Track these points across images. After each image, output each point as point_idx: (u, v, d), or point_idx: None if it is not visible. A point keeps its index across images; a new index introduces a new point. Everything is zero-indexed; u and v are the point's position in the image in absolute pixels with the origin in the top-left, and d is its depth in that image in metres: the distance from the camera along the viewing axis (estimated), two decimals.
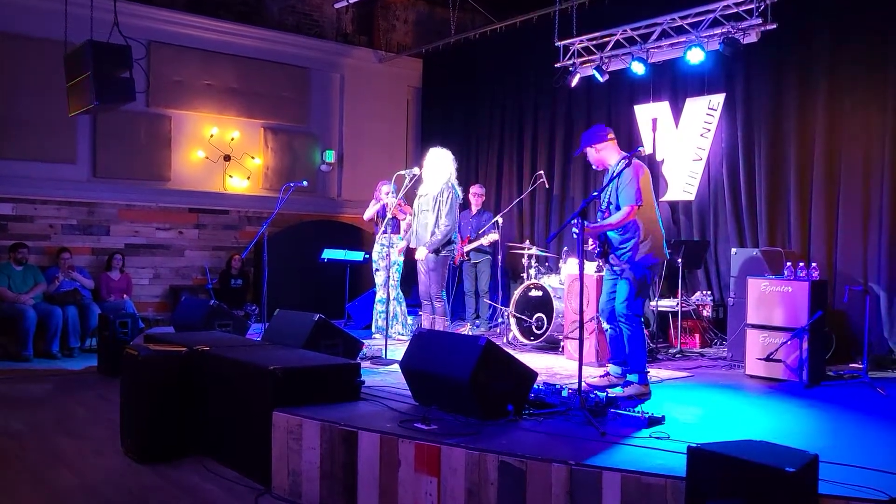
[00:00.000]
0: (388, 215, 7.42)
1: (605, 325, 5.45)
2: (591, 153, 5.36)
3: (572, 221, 4.77)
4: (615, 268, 5.26)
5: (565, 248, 8.17)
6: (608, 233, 5.24)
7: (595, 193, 5.12)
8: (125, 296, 9.32)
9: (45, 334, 8.33)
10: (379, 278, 7.87)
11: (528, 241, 8.39)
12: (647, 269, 5.18)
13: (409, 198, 7.50)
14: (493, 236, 8.69)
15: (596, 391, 4.77)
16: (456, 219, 7.10)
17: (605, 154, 5.31)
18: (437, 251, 7.05)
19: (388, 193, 7.81)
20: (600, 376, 5.48)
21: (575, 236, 4.99)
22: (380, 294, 7.80)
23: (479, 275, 9.16)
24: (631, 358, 5.20)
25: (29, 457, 4.75)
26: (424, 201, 7.06)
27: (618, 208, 5.11)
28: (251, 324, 8.11)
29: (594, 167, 5.51)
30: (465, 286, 9.29)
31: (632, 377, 5.17)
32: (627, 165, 5.09)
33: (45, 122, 9.17)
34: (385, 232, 7.49)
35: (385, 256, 7.72)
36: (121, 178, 9.92)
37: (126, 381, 4.88)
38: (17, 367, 7.74)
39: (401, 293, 8.01)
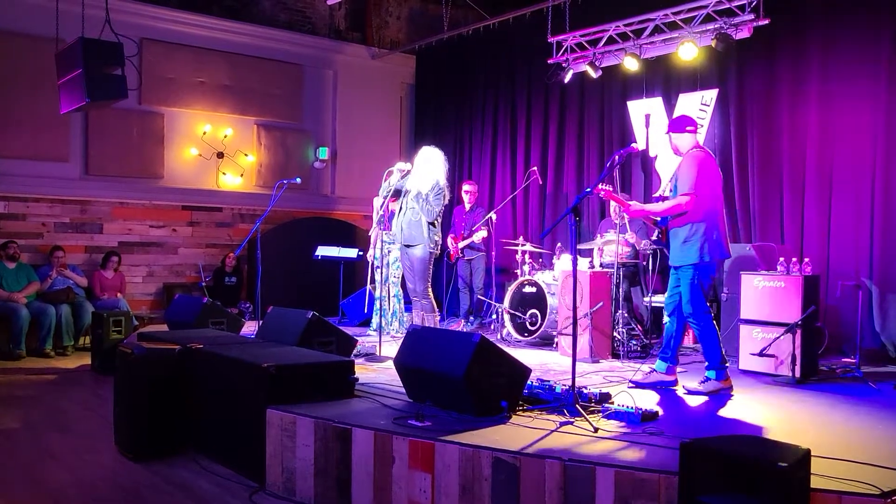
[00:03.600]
0: (383, 209, 7.35)
1: (666, 318, 5.47)
2: (676, 139, 5.39)
3: (610, 213, 4.79)
4: (673, 264, 5.29)
5: (559, 244, 8.19)
6: (666, 222, 5.28)
7: (588, 189, 5.12)
8: (119, 294, 9.30)
9: (39, 332, 8.31)
10: (380, 275, 7.86)
11: (521, 238, 8.39)
12: (707, 265, 5.15)
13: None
14: (483, 233, 8.70)
15: (643, 387, 5.08)
16: (440, 209, 6.99)
17: (679, 143, 5.35)
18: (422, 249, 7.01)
19: (399, 170, 7.49)
20: (645, 373, 5.48)
21: (617, 219, 5.09)
22: (380, 291, 7.78)
23: (473, 271, 9.16)
24: (705, 354, 5.22)
25: (22, 455, 4.74)
26: (411, 198, 7.02)
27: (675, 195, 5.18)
28: (245, 321, 8.10)
29: (671, 153, 5.57)
30: (460, 283, 9.29)
31: (709, 373, 5.18)
32: (690, 154, 5.18)
33: (37, 119, 9.14)
34: (387, 229, 7.47)
35: (387, 253, 7.73)
36: (113, 176, 9.90)
37: (120, 379, 4.87)
38: (10, 366, 7.72)
39: (400, 290, 8.00)
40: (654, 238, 5.50)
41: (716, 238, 5.13)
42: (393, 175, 6.95)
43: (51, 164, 9.44)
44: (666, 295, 5.50)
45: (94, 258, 9.60)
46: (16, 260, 8.55)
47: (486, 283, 9.09)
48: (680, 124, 5.39)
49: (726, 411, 4.69)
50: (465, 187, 9.35)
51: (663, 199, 5.44)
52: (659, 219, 5.35)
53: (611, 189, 5.36)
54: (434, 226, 6.85)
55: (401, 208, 7.00)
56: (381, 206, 7.21)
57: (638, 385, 5.32)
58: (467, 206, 9.27)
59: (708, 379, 5.17)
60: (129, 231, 10.02)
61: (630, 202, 5.46)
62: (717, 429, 4.04)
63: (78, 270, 9.14)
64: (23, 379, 7.09)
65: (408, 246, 6.93)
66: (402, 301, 8.03)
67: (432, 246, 6.85)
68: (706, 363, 5.26)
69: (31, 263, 8.91)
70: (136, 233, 10.09)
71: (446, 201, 6.95)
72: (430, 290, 6.99)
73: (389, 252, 7.93)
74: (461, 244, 8.98)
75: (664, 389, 5.25)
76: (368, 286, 8.55)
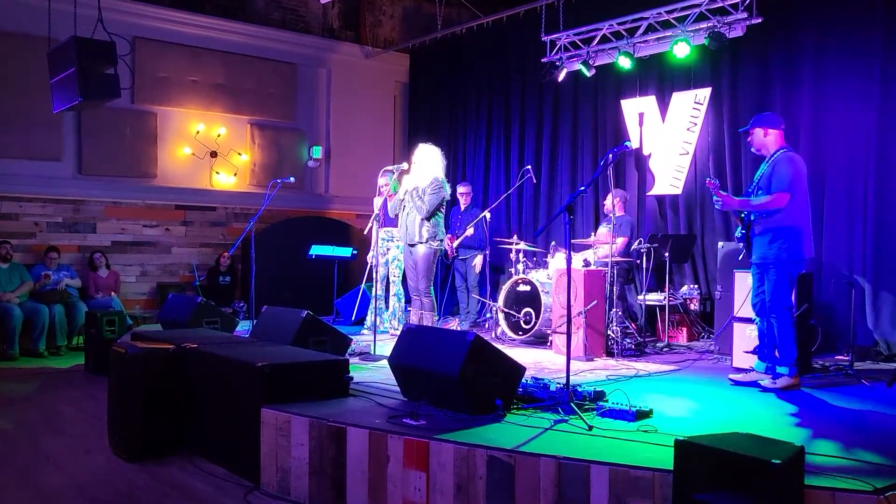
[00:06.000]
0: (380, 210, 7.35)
1: (756, 319, 5.50)
2: (759, 135, 5.37)
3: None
4: (758, 262, 5.34)
5: (553, 243, 8.19)
6: (752, 218, 5.33)
7: (583, 188, 5.13)
8: (112, 293, 9.27)
9: (32, 333, 8.28)
10: (376, 273, 7.85)
11: (515, 236, 8.39)
12: (793, 264, 5.21)
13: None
14: (469, 231, 8.70)
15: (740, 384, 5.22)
16: (437, 204, 6.95)
17: (771, 140, 5.34)
18: (427, 245, 7.00)
19: (386, 185, 7.69)
20: (745, 372, 5.55)
21: (718, 206, 5.30)
22: (376, 290, 7.77)
23: (468, 269, 9.17)
24: (780, 350, 5.26)
25: (16, 456, 4.72)
26: (413, 196, 7.02)
27: (767, 193, 5.20)
28: (239, 321, 8.08)
29: (753, 149, 5.50)
30: (457, 282, 9.29)
31: (781, 369, 5.23)
32: (785, 154, 5.21)
33: (30, 119, 9.11)
34: (386, 225, 7.46)
35: (386, 251, 7.72)
36: (107, 176, 9.87)
37: (113, 379, 4.86)
38: (3, 366, 7.69)
39: (401, 289, 7.99)
40: (736, 235, 5.56)
41: (804, 237, 5.21)
42: (392, 176, 6.94)
43: (43, 164, 9.42)
44: (751, 295, 5.56)
45: (87, 258, 9.56)
46: (8, 260, 8.52)
47: (479, 281, 9.08)
48: (774, 121, 5.39)
49: (720, 409, 4.71)
50: (460, 189, 9.34)
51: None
52: (743, 216, 5.41)
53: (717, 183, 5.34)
54: (432, 222, 6.82)
55: (404, 207, 7.02)
56: (392, 211, 7.16)
57: (738, 384, 5.42)
58: (462, 207, 9.28)
59: (780, 375, 5.22)
60: (122, 230, 10.00)
61: (723, 193, 5.43)
62: (712, 426, 4.05)
63: (71, 270, 9.11)
64: (16, 379, 7.06)
65: (411, 245, 6.93)
66: (403, 300, 8.02)
67: (435, 244, 6.84)
68: (776, 360, 5.31)
69: (25, 263, 8.88)
70: (130, 232, 10.06)
71: (447, 196, 6.93)
72: (431, 288, 6.99)
73: (388, 250, 7.93)
74: (455, 243, 8.98)
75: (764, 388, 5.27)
76: (363, 286, 8.53)
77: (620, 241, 7.75)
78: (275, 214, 10.76)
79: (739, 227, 5.49)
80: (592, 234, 8.29)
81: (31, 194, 9.34)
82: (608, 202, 7.94)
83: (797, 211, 5.19)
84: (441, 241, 6.91)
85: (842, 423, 4.32)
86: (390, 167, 6.96)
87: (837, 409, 4.70)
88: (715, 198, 5.29)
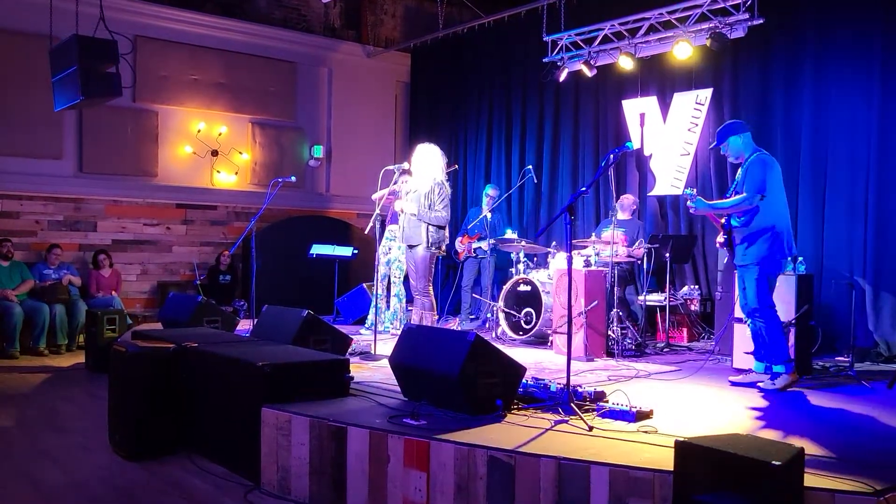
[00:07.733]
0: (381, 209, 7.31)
1: (747, 321, 5.52)
2: (735, 142, 5.40)
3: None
4: (740, 264, 5.36)
5: (554, 243, 8.19)
6: (732, 223, 5.35)
7: (583, 188, 5.13)
8: (113, 292, 9.28)
9: (32, 331, 8.28)
10: (381, 271, 7.85)
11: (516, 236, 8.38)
12: (774, 263, 5.25)
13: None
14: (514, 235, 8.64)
15: (742, 386, 5.27)
16: (449, 210, 6.93)
17: (740, 146, 5.39)
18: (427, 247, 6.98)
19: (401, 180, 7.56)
20: (744, 373, 5.57)
21: (692, 210, 5.31)
22: (377, 288, 7.76)
23: (482, 270, 9.13)
24: (772, 349, 5.28)
25: (16, 453, 4.72)
26: (413, 198, 7.00)
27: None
28: (240, 320, 8.09)
29: (732, 159, 5.53)
30: (464, 281, 9.25)
31: (778, 368, 5.25)
32: (758, 156, 5.26)
33: (31, 117, 9.11)
34: (393, 223, 7.45)
35: (388, 251, 7.72)
36: (107, 174, 9.88)
37: (114, 377, 4.87)
38: (4, 364, 7.70)
39: (402, 289, 7.98)
40: (719, 241, 5.58)
41: (782, 236, 5.23)
42: (394, 176, 6.94)
43: (44, 162, 9.42)
44: (738, 298, 5.57)
45: (88, 256, 9.57)
46: (9, 258, 8.52)
47: (491, 280, 9.03)
48: (740, 126, 5.43)
49: (720, 410, 4.70)
50: (489, 191, 9.16)
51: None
52: (724, 220, 5.43)
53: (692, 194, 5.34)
54: (437, 226, 6.77)
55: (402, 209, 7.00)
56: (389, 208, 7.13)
57: (737, 385, 5.42)
58: (484, 208, 9.17)
59: (778, 374, 5.23)
60: (123, 229, 10.00)
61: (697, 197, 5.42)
62: (711, 427, 4.05)
63: (72, 269, 9.11)
64: (17, 377, 7.07)
65: (410, 246, 6.92)
66: (404, 300, 8.01)
67: (434, 247, 6.83)
68: (769, 359, 5.32)
69: (25, 261, 8.88)
70: (130, 231, 10.07)
71: (450, 195, 6.91)
72: (430, 288, 6.98)
73: (390, 250, 7.92)
74: (475, 245, 8.95)
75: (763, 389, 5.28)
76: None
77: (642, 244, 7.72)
78: (276, 213, 10.76)
79: (721, 234, 5.50)
80: (593, 234, 8.28)
81: (32, 192, 9.34)
82: (628, 202, 8.02)
83: (773, 211, 5.22)
84: (441, 243, 6.88)
85: (842, 425, 4.32)
86: (391, 167, 6.94)
87: (837, 411, 4.69)
88: (689, 202, 5.32)
